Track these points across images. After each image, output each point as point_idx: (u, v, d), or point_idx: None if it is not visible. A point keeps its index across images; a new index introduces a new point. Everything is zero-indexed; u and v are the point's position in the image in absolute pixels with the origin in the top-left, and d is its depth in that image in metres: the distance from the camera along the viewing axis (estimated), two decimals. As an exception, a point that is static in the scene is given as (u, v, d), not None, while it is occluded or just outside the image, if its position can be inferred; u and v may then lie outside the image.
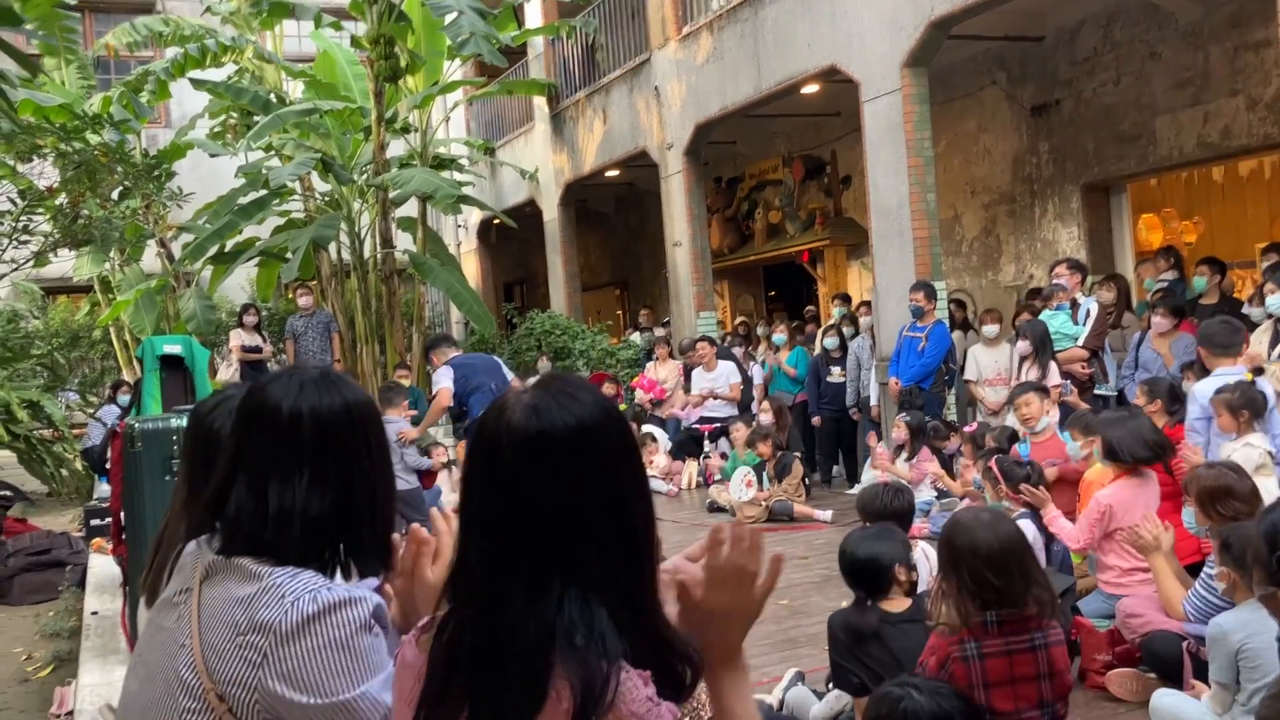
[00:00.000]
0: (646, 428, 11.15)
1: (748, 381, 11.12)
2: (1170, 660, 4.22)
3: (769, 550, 1.38)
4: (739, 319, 14.87)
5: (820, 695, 4.11)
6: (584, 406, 1.32)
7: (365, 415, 1.73)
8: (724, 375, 10.92)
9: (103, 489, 8.97)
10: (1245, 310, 7.54)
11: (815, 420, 10.47)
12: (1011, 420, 7.91)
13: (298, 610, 1.53)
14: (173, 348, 6.07)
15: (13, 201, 10.24)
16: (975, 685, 2.89)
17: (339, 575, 1.67)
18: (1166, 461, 5.35)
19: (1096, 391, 7.82)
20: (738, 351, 11.70)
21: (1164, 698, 3.88)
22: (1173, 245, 9.85)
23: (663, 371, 11.83)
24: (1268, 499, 4.21)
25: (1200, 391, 5.70)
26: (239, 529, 1.64)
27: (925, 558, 4.72)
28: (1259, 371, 5.61)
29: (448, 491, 9.30)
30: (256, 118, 13.43)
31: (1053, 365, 7.66)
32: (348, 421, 1.70)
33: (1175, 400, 5.97)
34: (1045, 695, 2.93)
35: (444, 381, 8.31)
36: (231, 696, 1.55)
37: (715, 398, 10.77)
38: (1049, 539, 4.97)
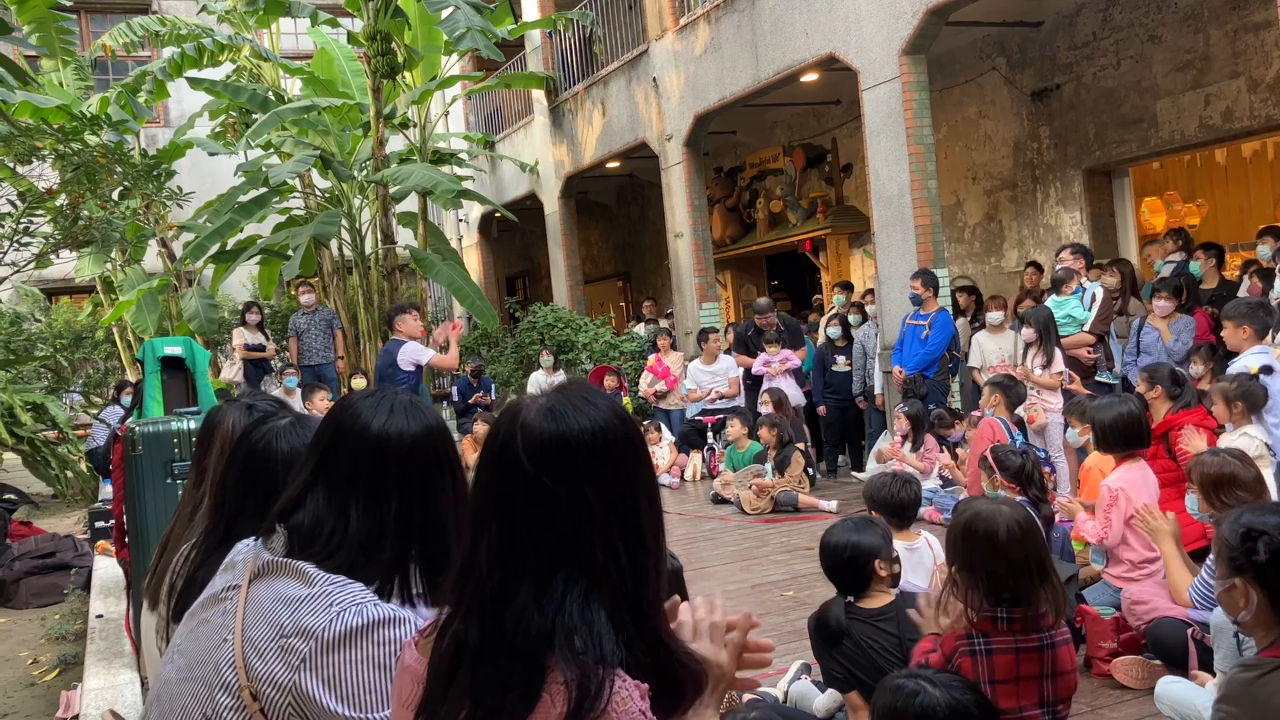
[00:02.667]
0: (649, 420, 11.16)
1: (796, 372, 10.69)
2: (1175, 647, 4.20)
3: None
4: (729, 323, 14.78)
5: (823, 687, 4.10)
6: (599, 411, 1.33)
7: (446, 441, 1.75)
8: (723, 370, 10.92)
9: (107, 490, 8.98)
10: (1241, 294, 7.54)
11: (820, 410, 10.44)
12: (1020, 410, 7.92)
13: (342, 621, 1.54)
14: (173, 349, 6.06)
15: (13, 204, 10.24)
16: (981, 680, 2.86)
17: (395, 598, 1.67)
18: (1169, 448, 5.34)
19: (1098, 378, 7.80)
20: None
21: (1169, 685, 3.87)
22: (1182, 227, 9.81)
23: (666, 363, 11.83)
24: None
25: (1237, 368, 5.76)
26: (314, 541, 1.64)
27: (929, 547, 4.71)
28: (1267, 370, 5.60)
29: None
30: (255, 116, 13.43)
31: (1057, 352, 7.64)
32: (432, 448, 1.71)
33: (1176, 385, 5.95)
34: (1047, 695, 2.89)
35: (412, 357, 8.46)
36: (264, 696, 1.55)
37: (720, 397, 10.76)
38: (1048, 527, 4.96)
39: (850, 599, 3.69)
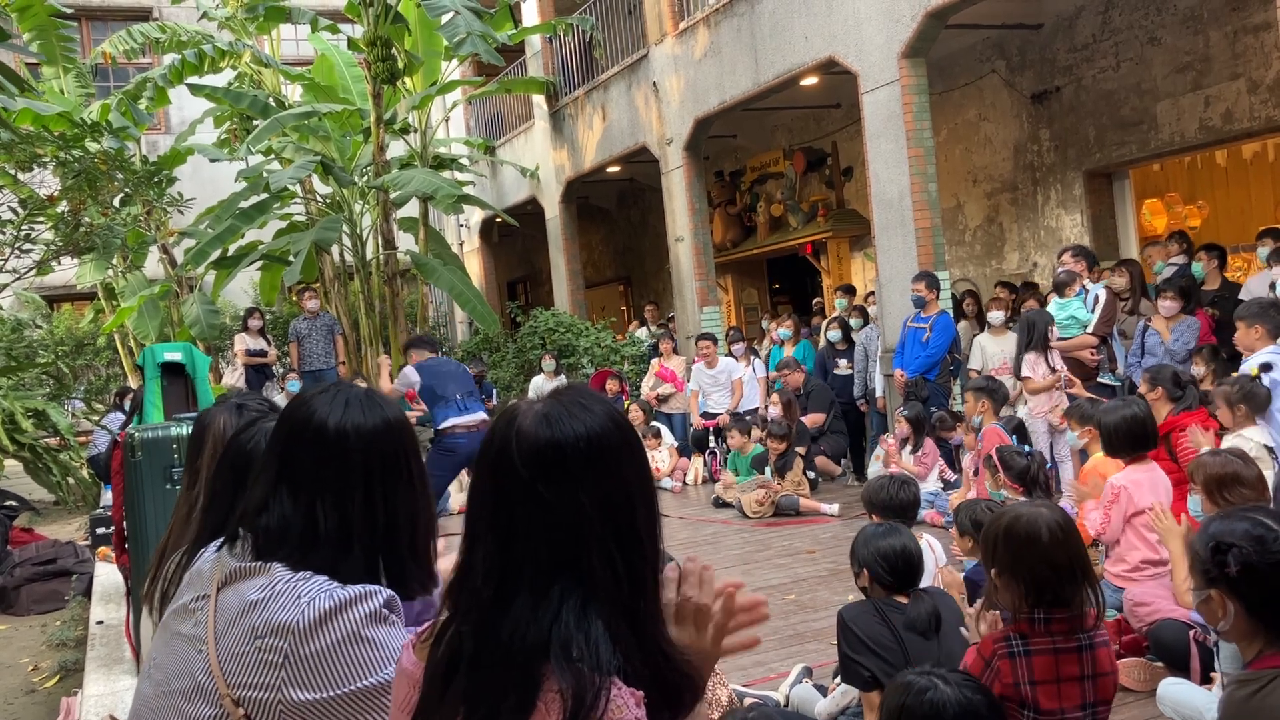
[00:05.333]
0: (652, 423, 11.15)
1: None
2: (1177, 649, 4.20)
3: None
4: (730, 327, 14.73)
5: (824, 691, 4.09)
6: (594, 417, 1.32)
7: (406, 434, 1.74)
8: (725, 372, 10.92)
9: (108, 497, 8.96)
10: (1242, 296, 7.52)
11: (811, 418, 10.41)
12: (1023, 411, 7.91)
13: (314, 608, 1.54)
14: (173, 355, 6.06)
15: (14, 211, 10.23)
16: (1021, 682, 2.84)
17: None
18: (1171, 450, 5.33)
19: (1100, 380, 7.78)
20: (739, 347, 11.66)
21: (1171, 687, 3.87)
22: (1183, 230, 9.80)
23: (669, 366, 11.84)
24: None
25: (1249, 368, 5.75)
26: (284, 543, 1.63)
27: (930, 549, 4.70)
28: (1266, 368, 5.58)
29: (455, 493, 9.30)
30: (256, 122, 13.44)
31: (1052, 354, 7.62)
32: (390, 441, 1.70)
33: (1178, 387, 5.94)
34: (1088, 696, 2.86)
35: (400, 384, 8.02)
36: (249, 701, 1.55)
37: (736, 413, 10.68)
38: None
39: (894, 598, 3.68)
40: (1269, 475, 4.94)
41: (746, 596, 1.44)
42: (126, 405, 11.40)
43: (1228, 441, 5.31)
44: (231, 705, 1.56)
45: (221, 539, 1.73)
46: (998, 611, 3.05)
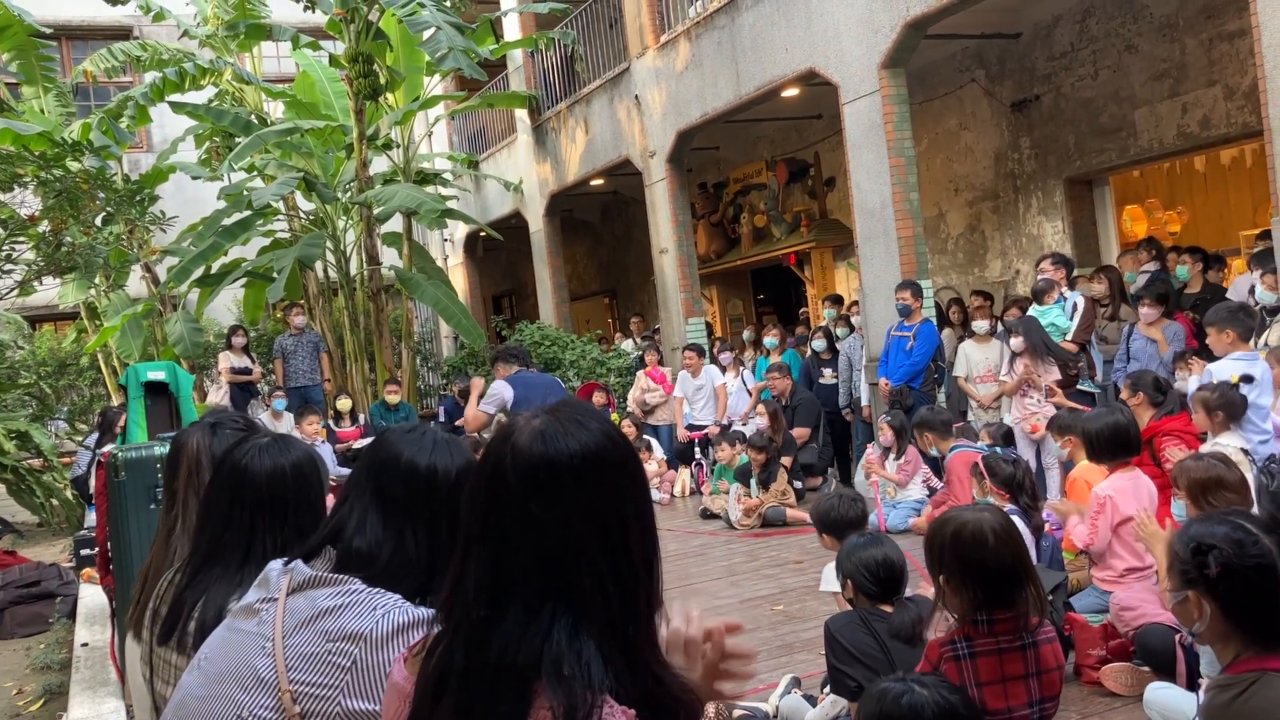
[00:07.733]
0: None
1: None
2: (1164, 653, 4.21)
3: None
4: (716, 337, 14.74)
5: (813, 701, 4.09)
6: (591, 435, 1.30)
7: None
8: (709, 380, 10.92)
9: (92, 518, 8.91)
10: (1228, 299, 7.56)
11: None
12: (1009, 418, 7.96)
13: (389, 620, 1.58)
14: (157, 374, 6.04)
15: (-6, 231, 10.20)
16: (968, 684, 2.91)
17: None
18: (1154, 454, 5.36)
19: (1080, 387, 7.81)
20: (727, 357, 11.66)
21: (1158, 691, 3.88)
22: (1154, 236, 9.87)
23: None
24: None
25: (1218, 370, 5.78)
26: (373, 564, 1.67)
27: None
28: (1248, 379, 5.63)
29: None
30: (238, 139, 13.42)
31: (1046, 362, 7.67)
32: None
33: (1160, 392, 5.97)
34: (1034, 694, 2.93)
35: (490, 404, 7.32)
36: (305, 698, 1.57)
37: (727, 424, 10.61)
38: (1038, 535, 4.97)
39: (879, 607, 3.69)
40: (1249, 479, 4.98)
41: (737, 644, 1.45)
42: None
43: (1206, 448, 5.35)
44: (289, 701, 1.58)
45: (296, 555, 1.75)
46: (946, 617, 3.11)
